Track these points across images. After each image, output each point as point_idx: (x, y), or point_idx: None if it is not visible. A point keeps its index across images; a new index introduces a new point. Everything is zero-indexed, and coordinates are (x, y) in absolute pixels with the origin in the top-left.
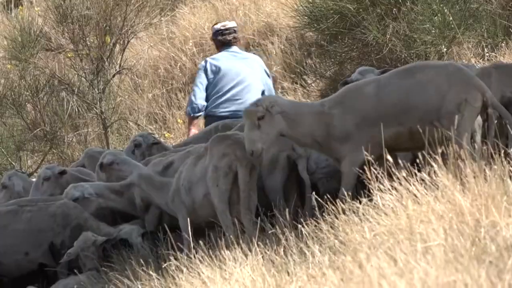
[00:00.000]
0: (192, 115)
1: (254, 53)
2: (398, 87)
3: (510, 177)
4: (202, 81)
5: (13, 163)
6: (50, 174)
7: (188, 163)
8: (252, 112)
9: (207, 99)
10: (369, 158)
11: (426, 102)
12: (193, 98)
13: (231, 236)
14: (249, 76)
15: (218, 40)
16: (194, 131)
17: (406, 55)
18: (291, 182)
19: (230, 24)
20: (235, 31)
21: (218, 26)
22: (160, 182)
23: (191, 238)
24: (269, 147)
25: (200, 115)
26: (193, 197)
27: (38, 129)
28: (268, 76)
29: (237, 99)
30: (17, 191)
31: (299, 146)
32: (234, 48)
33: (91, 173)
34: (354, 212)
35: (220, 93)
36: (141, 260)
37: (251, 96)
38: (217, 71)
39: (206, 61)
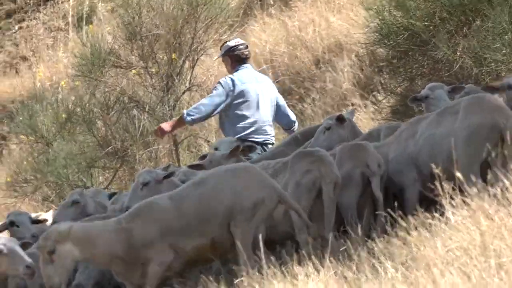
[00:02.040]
0: (191, 123)
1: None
2: (193, 196)
3: None
4: (220, 99)
5: (84, 180)
6: (150, 179)
7: None
8: (42, 247)
9: (230, 121)
10: (436, 171)
11: (222, 204)
12: (202, 108)
13: (303, 252)
14: (268, 100)
15: (235, 55)
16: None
17: (477, 72)
18: (365, 198)
19: (241, 40)
20: (247, 47)
21: (231, 43)
22: None
23: (263, 254)
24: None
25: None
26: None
27: (110, 147)
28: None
29: (263, 125)
30: (88, 210)
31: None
32: (249, 65)
33: None
34: (426, 228)
35: (249, 120)
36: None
37: (267, 120)
38: (243, 94)
39: (233, 81)
